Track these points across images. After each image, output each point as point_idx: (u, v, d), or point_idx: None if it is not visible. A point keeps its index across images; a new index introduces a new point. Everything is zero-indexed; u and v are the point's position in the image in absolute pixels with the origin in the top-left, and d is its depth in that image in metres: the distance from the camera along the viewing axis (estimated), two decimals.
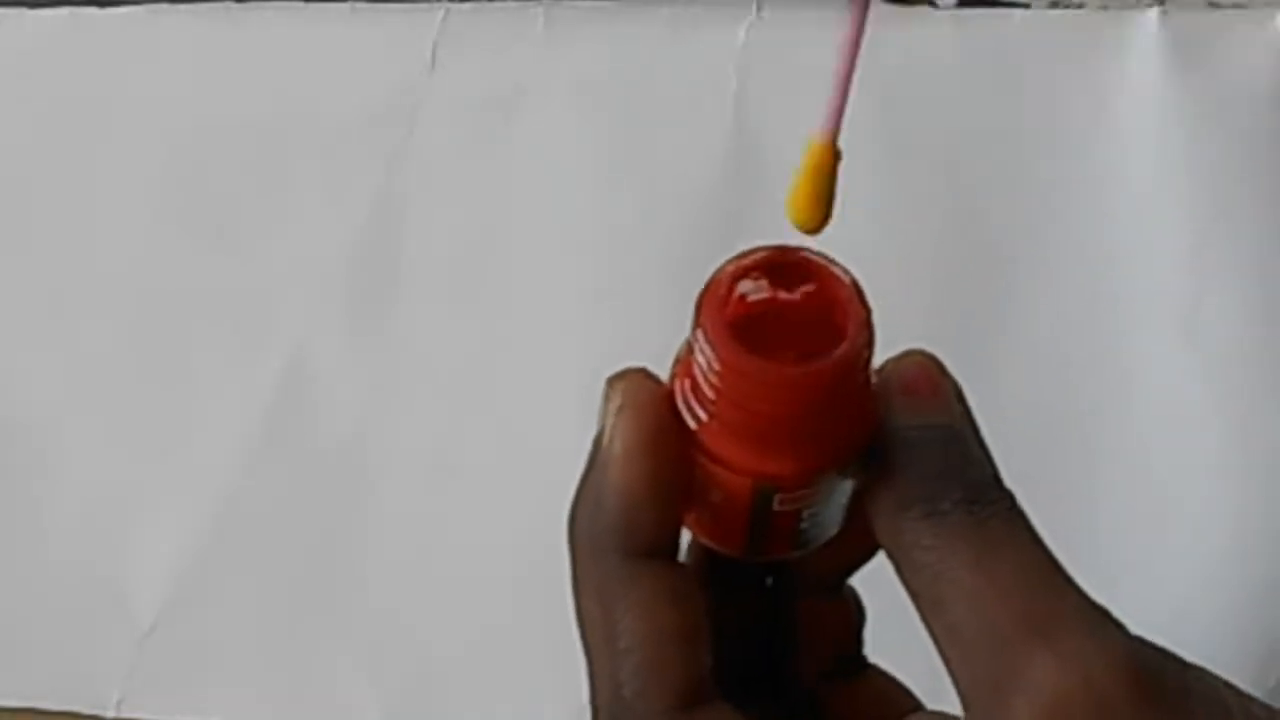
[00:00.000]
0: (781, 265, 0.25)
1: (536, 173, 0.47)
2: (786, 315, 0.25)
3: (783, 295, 0.25)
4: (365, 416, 0.45)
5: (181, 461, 0.45)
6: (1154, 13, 0.46)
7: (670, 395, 0.26)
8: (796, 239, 0.25)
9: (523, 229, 0.47)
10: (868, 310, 0.25)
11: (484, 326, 0.46)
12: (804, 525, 0.27)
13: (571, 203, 0.47)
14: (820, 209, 0.25)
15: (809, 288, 0.25)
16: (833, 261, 0.25)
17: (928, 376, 0.26)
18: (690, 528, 0.28)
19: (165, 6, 0.51)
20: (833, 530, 0.28)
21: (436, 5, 0.50)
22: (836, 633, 0.31)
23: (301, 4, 0.51)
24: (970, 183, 0.46)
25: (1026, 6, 0.47)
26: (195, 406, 0.46)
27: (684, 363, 0.26)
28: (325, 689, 0.42)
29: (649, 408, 0.26)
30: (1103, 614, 0.24)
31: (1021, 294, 0.44)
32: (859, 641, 0.31)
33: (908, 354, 0.27)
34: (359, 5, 0.50)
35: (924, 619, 0.25)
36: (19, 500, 0.46)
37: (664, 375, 0.26)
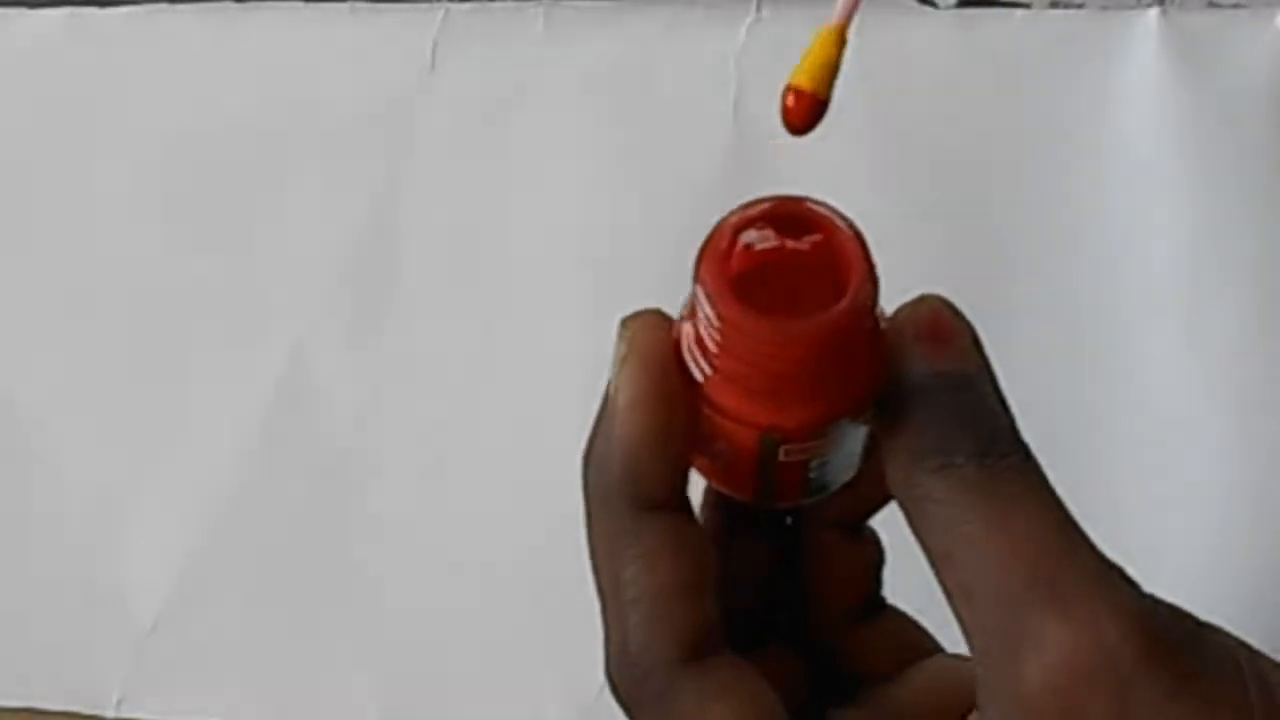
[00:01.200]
0: (787, 216, 0.25)
1: (536, 173, 0.47)
2: (794, 264, 0.25)
3: (790, 244, 0.25)
4: (365, 416, 0.45)
5: (181, 461, 0.45)
6: (1154, 12, 0.46)
7: (676, 345, 0.26)
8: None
9: (523, 229, 0.47)
10: (870, 263, 0.24)
11: (484, 326, 0.46)
12: (813, 474, 0.27)
13: (571, 203, 0.47)
14: (823, 87, 0.25)
15: (816, 238, 0.25)
16: (837, 213, 0.25)
17: (942, 322, 0.26)
18: (702, 474, 0.28)
19: (165, 6, 0.51)
20: (848, 475, 0.28)
21: (436, 5, 0.50)
22: (856, 574, 0.30)
23: (301, 4, 0.51)
24: (970, 182, 0.46)
25: (1027, 6, 0.47)
26: (195, 406, 0.46)
27: (688, 315, 0.26)
28: (326, 689, 0.42)
29: (654, 359, 0.26)
30: (1117, 572, 0.24)
31: (1021, 294, 0.44)
32: (878, 583, 0.31)
33: (922, 299, 0.26)
34: (358, 5, 0.50)
35: (936, 573, 0.25)
36: (19, 500, 0.46)
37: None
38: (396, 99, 0.49)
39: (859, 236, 0.25)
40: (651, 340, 0.26)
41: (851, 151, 0.46)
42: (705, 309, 0.24)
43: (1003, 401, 0.26)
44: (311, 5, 0.50)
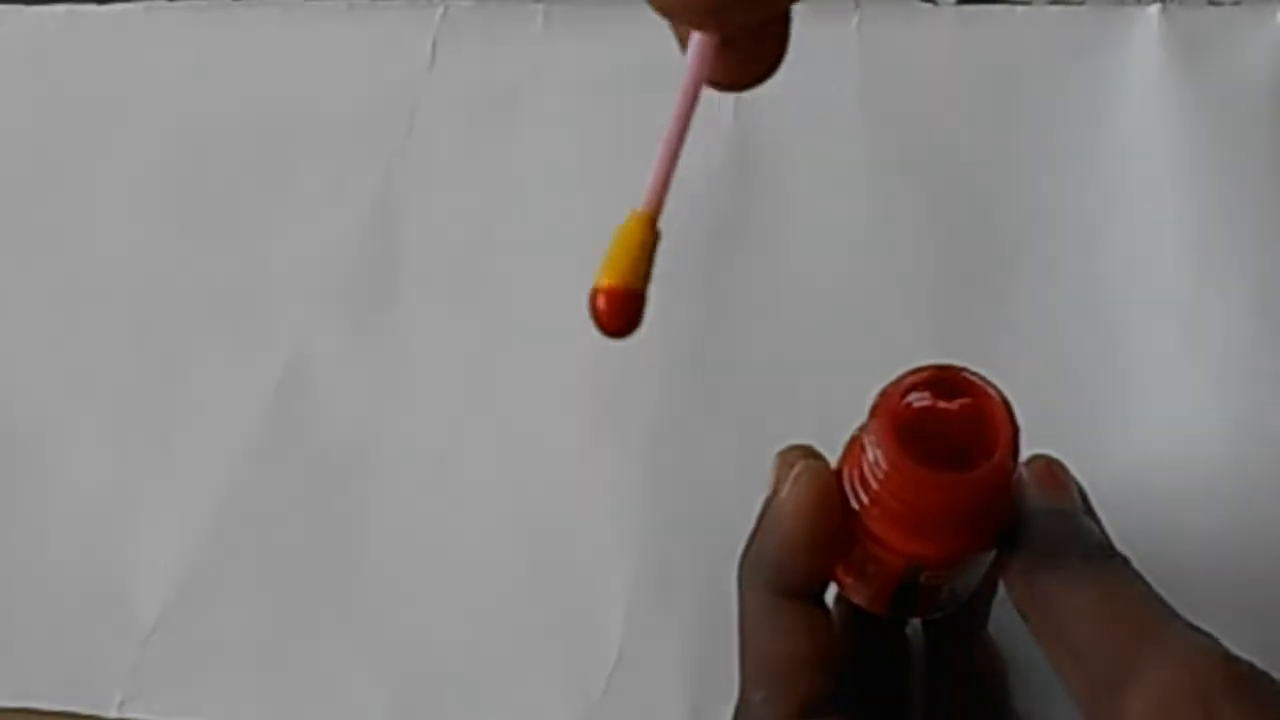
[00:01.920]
0: (943, 381, 0.30)
1: (536, 172, 0.47)
2: (943, 420, 0.30)
3: (941, 404, 0.30)
4: (366, 416, 0.45)
5: (182, 461, 0.45)
6: (1154, 9, 0.46)
7: (838, 475, 0.32)
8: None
9: (523, 228, 0.47)
10: (1015, 427, 0.29)
11: (484, 326, 0.46)
12: (944, 594, 0.32)
13: (571, 202, 0.47)
14: (634, 279, 0.24)
15: (965, 400, 0.30)
16: (988, 382, 0.30)
17: (1054, 471, 0.32)
18: (841, 586, 0.33)
19: (163, 3, 0.51)
20: (970, 593, 0.33)
21: (435, 3, 0.50)
22: (972, 670, 0.37)
23: (300, 1, 0.51)
24: (970, 179, 0.46)
25: (1028, 3, 0.47)
26: (196, 406, 0.46)
27: (853, 453, 0.31)
28: (330, 689, 0.42)
29: (820, 481, 0.31)
30: (1202, 631, 0.28)
31: (1021, 292, 0.44)
32: (996, 683, 0.36)
33: (1037, 457, 0.33)
34: (358, 3, 0.50)
35: (1050, 654, 0.29)
36: (20, 501, 0.46)
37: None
38: (396, 97, 0.49)
39: (1006, 403, 0.30)
40: (820, 468, 0.32)
41: (851, 149, 0.46)
42: (874, 453, 0.30)
43: (1102, 528, 0.32)
44: (311, 3, 0.50)
